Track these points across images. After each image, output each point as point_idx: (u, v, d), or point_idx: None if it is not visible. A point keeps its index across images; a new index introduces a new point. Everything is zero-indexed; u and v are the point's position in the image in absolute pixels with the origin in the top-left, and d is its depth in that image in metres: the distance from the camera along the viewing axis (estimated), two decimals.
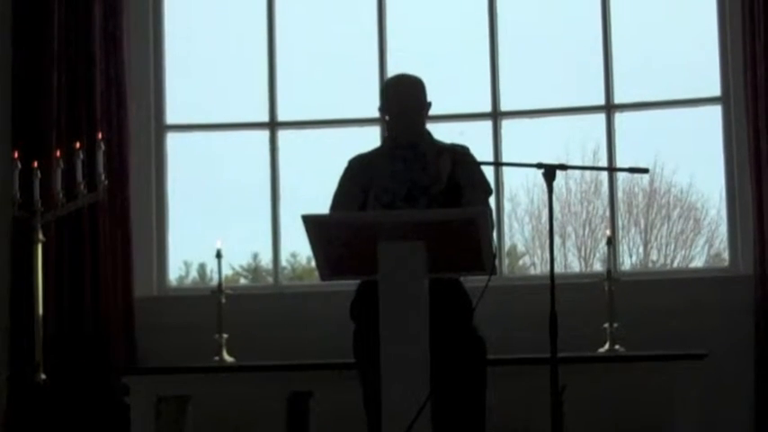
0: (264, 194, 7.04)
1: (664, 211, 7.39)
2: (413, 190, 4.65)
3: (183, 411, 6.24)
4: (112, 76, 6.85)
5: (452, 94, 6.68)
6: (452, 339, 4.42)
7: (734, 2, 6.60)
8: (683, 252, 7.37)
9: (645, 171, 4.46)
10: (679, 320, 6.33)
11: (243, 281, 7.56)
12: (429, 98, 4.78)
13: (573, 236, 7.41)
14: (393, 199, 4.65)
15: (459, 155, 4.66)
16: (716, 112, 6.77)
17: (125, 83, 6.87)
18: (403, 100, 4.70)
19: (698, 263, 7.24)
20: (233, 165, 7.17)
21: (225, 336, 6.25)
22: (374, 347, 4.14)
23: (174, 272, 7.24)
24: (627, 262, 7.21)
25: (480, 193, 4.68)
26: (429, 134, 4.82)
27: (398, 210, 4.59)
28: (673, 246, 7.37)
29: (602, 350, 6.02)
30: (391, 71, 6.77)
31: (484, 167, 4.82)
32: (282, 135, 7.13)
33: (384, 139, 4.86)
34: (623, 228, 7.15)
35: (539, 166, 4.21)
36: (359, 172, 4.76)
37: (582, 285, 6.40)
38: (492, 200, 4.83)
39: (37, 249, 6.29)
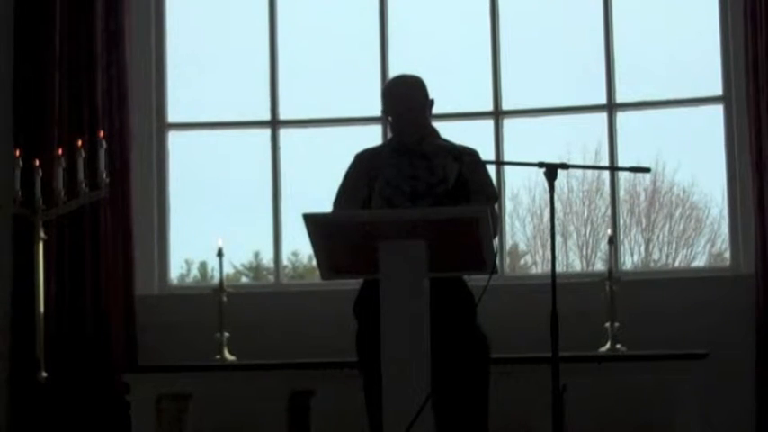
0: (266, 193, 7.04)
1: (665, 211, 7.39)
2: (417, 187, 4.64)
3: (184, 410, 6.23)
4: (114, 75, 6.85)
5: (454, 93, 6.67)
6: (456, 337, 4.42)
7: (736, 1, 6.60)
8: (685, 251, 7.37)
9: (646, 170, 4.45)
10: (680, 320, 6.33)
11: (244, 279, 7.56)
12: (431, 96, 4.77)
13: (574, 235, 7.41)
14: (396, 194, 4.63)
15: (465, 155, 4.65)
16: (718, 111, 6.76)
17: (126, 81, 6.87)
18: (402, 101, 4.69)
19: (699, 262, 7.24)
20: (234, 163, 7.17)
21: (226, 334, 6.25)
22: (376, 346, 4.14)
23: (176, 270, 7.24)
24: (628, 261, 7.21)
25: (483, 199, 4.66)
26: (437, 133, 4.80)
27: (400, 206, 4.58)
28: (674, 245, 7.37)
29: (603, 349, 6.02)
30: (393, 70, 6.77)
31: (488, 168, 4.80)
32: (284, 133, 7.13)
33: (391, 137, 4.85)
34: (625, 227, 7.15)
35: (540, 165, 4.20)
36: (365, 165, 4.76)
37: (583, 285, 6.39)
38: None
39: (38, 247, 6.29)
